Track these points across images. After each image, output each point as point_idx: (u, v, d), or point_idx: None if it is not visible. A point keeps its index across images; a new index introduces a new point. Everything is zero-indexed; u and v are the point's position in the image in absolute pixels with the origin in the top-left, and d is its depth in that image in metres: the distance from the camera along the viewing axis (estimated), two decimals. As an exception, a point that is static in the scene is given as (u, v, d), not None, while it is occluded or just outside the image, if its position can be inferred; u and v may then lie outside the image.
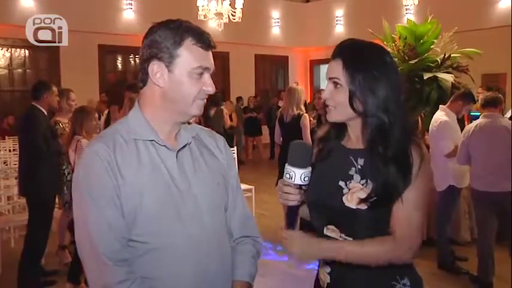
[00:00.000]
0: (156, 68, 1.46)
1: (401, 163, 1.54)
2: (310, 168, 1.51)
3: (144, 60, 1.49)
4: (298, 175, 1.50)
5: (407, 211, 1.54)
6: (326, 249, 1.57)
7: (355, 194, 1.56)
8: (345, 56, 1.58)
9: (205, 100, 1.52)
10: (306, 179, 1.51)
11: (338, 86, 1.59)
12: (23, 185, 4.49)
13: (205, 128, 1.71)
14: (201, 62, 1.46)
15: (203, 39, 1.47)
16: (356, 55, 1.59)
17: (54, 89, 4.55)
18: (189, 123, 1.60)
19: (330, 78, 1.62)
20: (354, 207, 1.55)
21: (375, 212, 1.54)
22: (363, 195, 1.54)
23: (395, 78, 1.60)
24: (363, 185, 1.57)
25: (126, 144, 1.47)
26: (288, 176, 1.51)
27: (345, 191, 1.59)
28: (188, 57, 1.45)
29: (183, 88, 1.46)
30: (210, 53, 1.50)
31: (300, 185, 1.52)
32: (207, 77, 1.49)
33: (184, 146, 1.55)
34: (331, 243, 1.58)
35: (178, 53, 1.45)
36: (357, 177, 1.59)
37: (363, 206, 1.54)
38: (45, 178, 4.32)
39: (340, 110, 1.61)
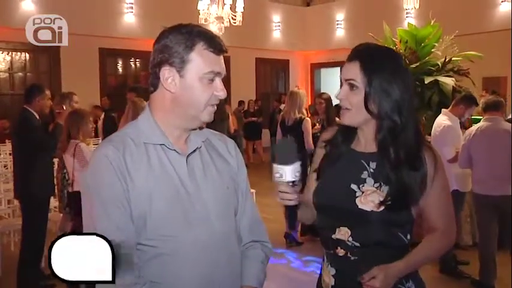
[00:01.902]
0: (167, 74, 1.45)
1: (414, 166, 1.57)
2: (299, 162, 1.50)
3: (155, 65, 1.48)
4: (288, 172, 1.49)
5: (444, 207, 1.68)
6: (400, 272, 1.59)
7: (369, 196, 1.59)
8: (362, 59, 1.60)
9: (216, 105, 1.50)
10: (297, 174, 1.50)
11: (354, 88, 1.61)
12: (17, 187, 4.50)
13: (216, 132, 1.69)
14: (213, 66, 1.45)
15: (215, 44, 1.46)
16: (373, 58, 1.61)
17: (47, 92, 4.52)
18: (200, 127, 1.59)
19: (346, 80, 1.63)
20: (368, 209, 1.57)
21: (389, 214, 1.56)
22: (377, 198, 1.57)
23: (408, 81, 1.64)
24: (376, 188, 1.59)
25: (136, 147, 1.46)
26: (278, 175, 1.50)
27: (358, 193, 1.61)
28: (200, 62, 1.44)
29: (194, 93, 1.45)
30: (222, 57, 1.49)
31: (293, 182, 1.50)
32: (218, 81, 1.48)
33: (194, 151, 1.54)
34: (400, 264, 1.59)
35: (190, 58, 1.44)
36: (370, 180, 1.61)
37: (378, 209, 1.56)
38: (38, 179, 4.32)
39: (355, 112, 1.62)
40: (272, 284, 4.46)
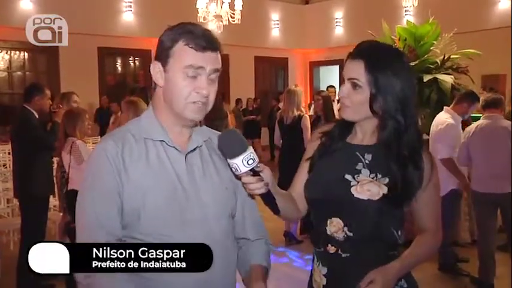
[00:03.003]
0: (157, 68, 1.48)
1: (417, 165, 1.57)
2: (250, 149, 1.42)
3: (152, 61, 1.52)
4: (240, 163, 1.41)
5: (435, 208, 1.69)
6: (398, 272, 1.58)
7: (365, 185, 1.57)
8: (367, 58, 1.57)
9: (202, 104, 1.47)
10: (251, 161, 1.41)
11: (357, 87, 1.58)
12: (16, 186, 4.50)
13: (218, 132, 1.68)
14: (192, 62, 1.44)
15: (196, 40, 1.44)
16: (378, 57, 1.58)
17: (47, 92, 4.52)
18: (200, 124, 1.59)
19: (348, 79, 1.60)
20: (365, 198, 1.56)
21: (385, 204, 1.56)
22: (374, 187, 1.56)
23: (413, 79, 1.63)
24: (372, 178, 1.58)
25: (136, 143, 1.48)
26: (233, 170, 1.44)
27: (353, 183, 1.59)
28: (180, 57, 1.44)
29: (175, 88, 1.46)
30: (210, 54, 1.46)
31: (251, 170, 1.43)
32: (202, 79, 1.46)
33: (194, 149, 1.54)
34: (396, 265, 1.58)
35: (171, 53, 1.45)
36: (365, 171, 1.60)
37: (374, 197, 1.55)
38: (37, 178, 4.33)
39: (356, 109, 1.61)
40: (272, 282, 4.43)
